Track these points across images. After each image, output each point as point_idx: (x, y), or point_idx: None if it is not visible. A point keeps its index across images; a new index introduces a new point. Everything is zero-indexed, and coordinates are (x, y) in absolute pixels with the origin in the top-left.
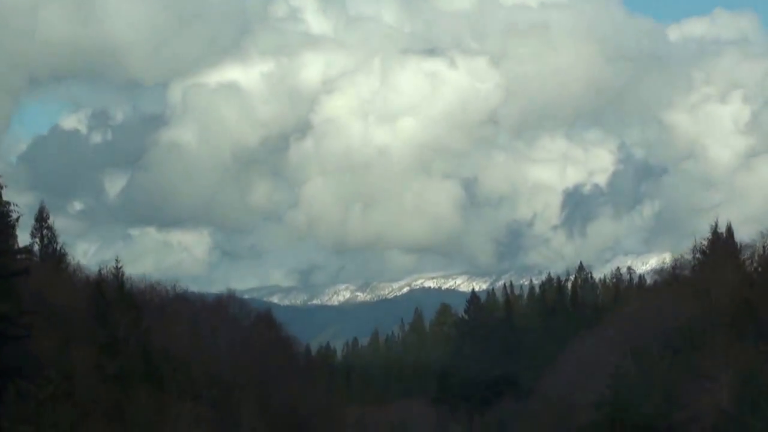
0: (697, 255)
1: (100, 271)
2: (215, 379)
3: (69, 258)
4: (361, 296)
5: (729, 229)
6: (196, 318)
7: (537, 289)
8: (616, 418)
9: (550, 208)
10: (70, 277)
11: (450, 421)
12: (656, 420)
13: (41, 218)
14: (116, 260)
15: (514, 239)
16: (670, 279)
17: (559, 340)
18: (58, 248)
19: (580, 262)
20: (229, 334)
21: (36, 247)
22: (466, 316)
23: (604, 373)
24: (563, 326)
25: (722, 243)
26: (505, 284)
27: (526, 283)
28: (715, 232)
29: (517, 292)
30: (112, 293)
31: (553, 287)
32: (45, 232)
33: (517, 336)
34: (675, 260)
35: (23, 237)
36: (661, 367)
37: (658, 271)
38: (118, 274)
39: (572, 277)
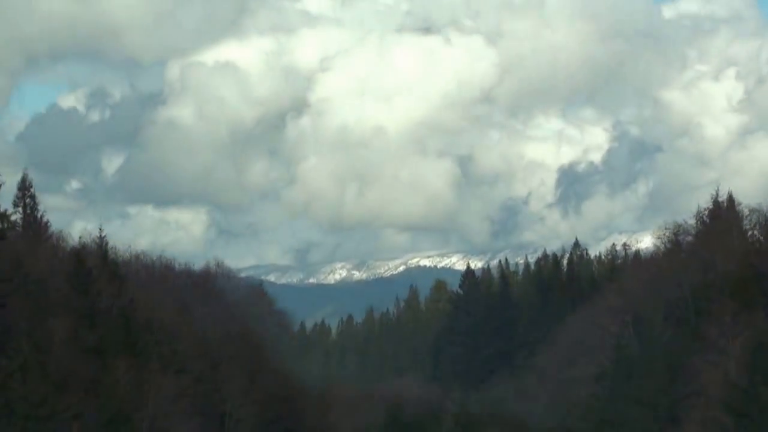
0: (699, 223)
1: (80, 239)
2: (201, 352)
3: (51, 227)
4: (358, 275)
5: (730, 198)
6: (182, 290)
7: (532, 267)
8: (617, 392)
9: (545, 186)
10: (52, 247)
11: (445, 398)
12: (659, 393)
13: (24, 187)
14: (100, 229)
15: (509, 217)
16: (673, 245)
17: (555, 315)
18: (40, 216)
19: (576, 239)
20: (217, 306)
21: (18, 216)
22: (460, 291)
23: (603, 346)
24: (559, 301)
25: (725, 210)
26: (500, 261)
27: (521, 261)
28: (716, 201)
29: (512, 269)
30: (94, 263)
31: (549, 263)
32: (27, 201)
33: (512, 312)
34: (677, 226)
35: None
36: (664, 338)
37: (660, 236)
38: (101, 244)
39: (568, 254)
